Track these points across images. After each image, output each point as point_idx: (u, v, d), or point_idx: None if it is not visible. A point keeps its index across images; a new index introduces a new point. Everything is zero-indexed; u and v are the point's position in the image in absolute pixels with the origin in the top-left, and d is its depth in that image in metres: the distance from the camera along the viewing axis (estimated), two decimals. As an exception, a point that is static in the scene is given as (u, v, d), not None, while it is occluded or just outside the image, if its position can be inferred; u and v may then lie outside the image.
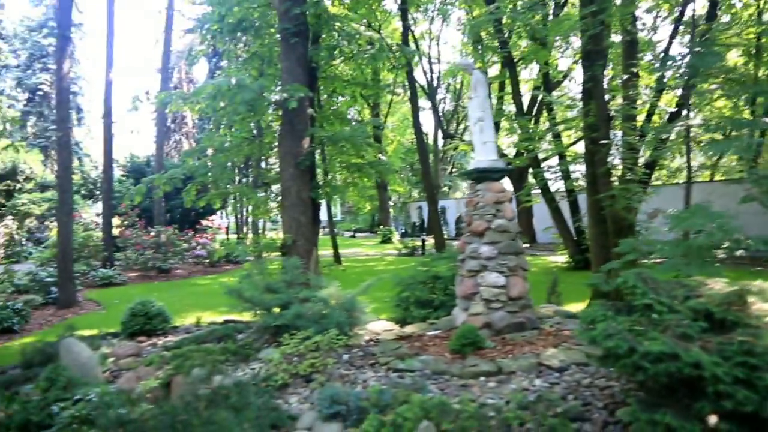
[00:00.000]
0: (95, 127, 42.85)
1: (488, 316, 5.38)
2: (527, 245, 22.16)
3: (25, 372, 5.19)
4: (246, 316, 6.21)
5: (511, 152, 24.85)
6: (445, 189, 42.33)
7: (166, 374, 3.95)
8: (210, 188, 14.23)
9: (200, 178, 9.21)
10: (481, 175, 5.92)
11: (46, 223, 26.41)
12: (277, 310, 4.99)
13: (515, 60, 16.72)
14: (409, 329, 5.74)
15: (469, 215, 5.84)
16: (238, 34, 9.18)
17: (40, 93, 34.48)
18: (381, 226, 35.88)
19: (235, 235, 28.96)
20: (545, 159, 19.07)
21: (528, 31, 12.05)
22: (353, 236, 41.87)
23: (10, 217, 25.22)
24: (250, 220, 37.58)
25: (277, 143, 9.32)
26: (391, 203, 38.58)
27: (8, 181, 24.29)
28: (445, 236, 26.50)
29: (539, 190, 17.22)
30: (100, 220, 26.12)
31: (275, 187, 13.50)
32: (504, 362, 4.56)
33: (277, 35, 8.93)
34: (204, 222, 25.03)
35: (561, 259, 17.09)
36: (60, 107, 12.28)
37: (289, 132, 8.08)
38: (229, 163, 9.39)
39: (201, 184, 12.14)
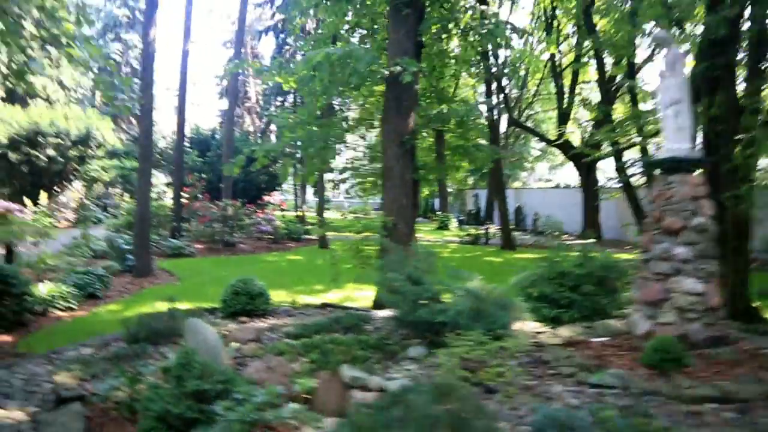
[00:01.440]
0: (160, 99, 43.55)
1: (682, 327, 4.72)
2: (593, 241, 21.19)
3: (132, 347, 4.90)
4: (323, 300, 5.77)
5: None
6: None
7: (307, 369, 3.54)
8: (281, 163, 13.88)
9: (304, 152, 8.80)
10: (675, 166, 5.27)
11: (110, 190, 26.86)
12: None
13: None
14: (563, 332, 5.14)
15: (658, 210, 5.18)
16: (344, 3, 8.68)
17: (112, 62, 35.03)
18: (439, 212, 35.33)
19: (294, 213, 28.84)
20: (626, 149, 18.09)
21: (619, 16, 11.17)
22: (407, 220, 41.22)
23: (81, 182, 25.79)
24: (310, 198, 37.60)
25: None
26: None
27: (81, 147, 24.71)
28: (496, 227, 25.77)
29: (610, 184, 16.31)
30: (166, 190, 26.58)
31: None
32: (723, 385, 3.88)
33: (384, 7, 8.41)
34: (266, 198, 24.94)
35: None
36: (145, 73, 12.14)
37: (395, 109, 7.58)
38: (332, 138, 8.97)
39: (296, 158, 11.79)
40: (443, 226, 31.04)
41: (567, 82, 24.25)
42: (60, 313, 8.17)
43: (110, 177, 26.53)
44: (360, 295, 10.16)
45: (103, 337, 6.15)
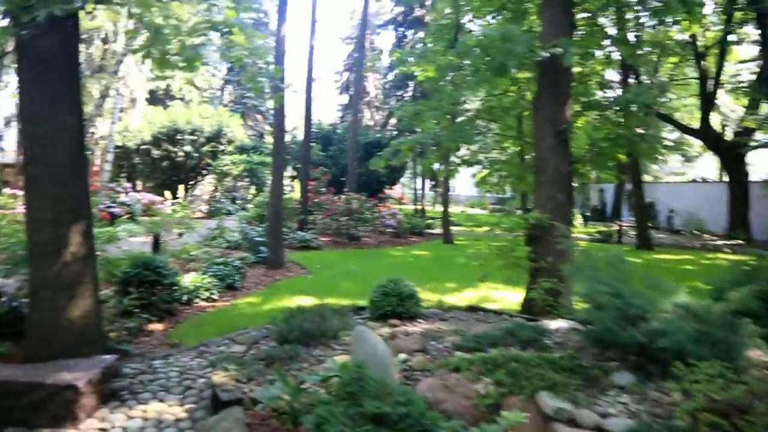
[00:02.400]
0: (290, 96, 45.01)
1: None
2: (742, 243, 18.97)
3: (284, 348, 4.67)
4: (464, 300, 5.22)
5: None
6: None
7: (495, 394, 3.05)
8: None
9: (450, 144, 8.33)
10: None
11: (238, 183, 28.08)
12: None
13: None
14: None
15: None
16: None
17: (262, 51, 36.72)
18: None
19: (414, 206, 28.60)
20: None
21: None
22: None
23: (213, 176, 27.24)
24: (427, 192, 37.24)
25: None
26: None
27: (214, 143, 26.04)
28: (626, 223, 23.90)
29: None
30: (291, 183, 27.40)
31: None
32: None
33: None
34: (386, 191, 24.89)
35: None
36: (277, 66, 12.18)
37: (550, 96, 6.88)
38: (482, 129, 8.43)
39: (446, 150, 11.41)
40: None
41: (710, 64, 21.88)
42: (203, 304, 8.30)
43: (239, 171, 27.76)
44: (498, 296, 9.54)
45: (249, 332, 6.06)
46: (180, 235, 11.55)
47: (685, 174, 43.38)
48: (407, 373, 3.71)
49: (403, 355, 3.99)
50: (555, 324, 4.75)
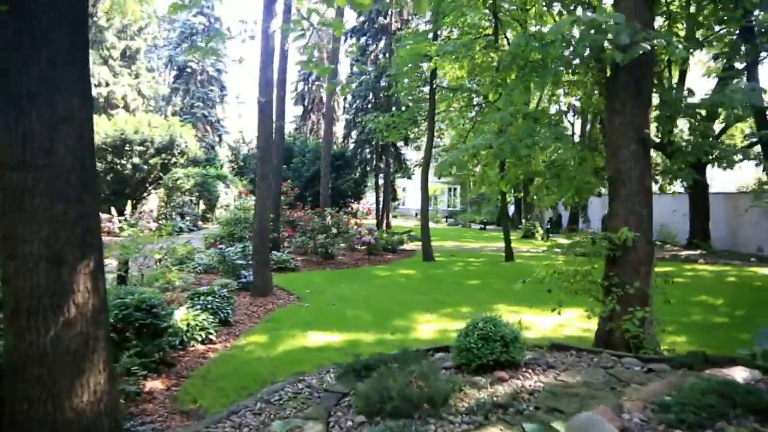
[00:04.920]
0: (236, 107, 43.09)
1: None
2: (704, 253, 18.85)
3: (385, 426, 3.27)
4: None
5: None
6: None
7: None
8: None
9: (510, 153, 7.12)
10: None
11: (188, 198, 25.99)
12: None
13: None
14: None
15: None
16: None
17: (188, 70, 34.70)
18: (524, 220, 33.40)
19: (377, 221, 27.32)
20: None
21: None
22: (483, 228, 39.21)
23: (162, 190, 25.06)
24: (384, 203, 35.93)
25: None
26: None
27: (165, 154, 23.95)
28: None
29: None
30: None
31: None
32: None
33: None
34: (354, 205, 23.54)
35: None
36: (264, 69, 10.75)
37: (630, 96, 5.82)
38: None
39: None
40: (529, 235, 28.88)
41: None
42: (199, 347, 6.74)
43: (190, 185, 25.72)
44: (527, 321, 8.37)
45: (280, 387, 4.66)
46: (159, 261, 9.80)
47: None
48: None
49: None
50: (739, 373, 3.62)
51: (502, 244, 23.89)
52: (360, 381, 4.12)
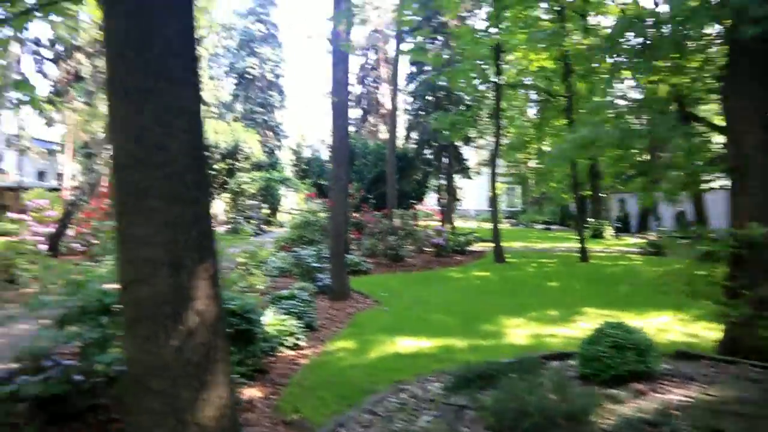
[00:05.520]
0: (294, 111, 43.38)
1: None
2: None
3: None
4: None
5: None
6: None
7: None
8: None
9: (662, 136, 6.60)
10: None
11: (253, 202, 26.27)
12: None
13: None
14: None
15: None
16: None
17: (248, 76, 35.29)
18: (593, 219, 32.20)
19: (440, 222, 26.86)
20: None
21: None
22: (547, 229, 38.11)
23: (228, 195, 25.46)
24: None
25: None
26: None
27: (230, 159, 24.32)
28: (658, 235, 22.34)
29: None
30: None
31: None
32: None
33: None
34: (418, 207, 23.18)
35: None
36: (336, 69, 10.57)
37: (754, 77, 5.24)
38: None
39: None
40: (597, 235, 27.60)
41: None
42: (288, 352, 6.55)
43: (255, 189, 26.01)
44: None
45: (383, 397, 4.36)
46: (243, 264, 9.76)
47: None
48: None
49: None
50: None
51: (571, 245, 23.07)
52: (480, 392, 3.78)
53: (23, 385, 4.05)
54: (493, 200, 17.76)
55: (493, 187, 17.70)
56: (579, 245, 17.63)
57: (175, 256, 2.65)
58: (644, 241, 23.37)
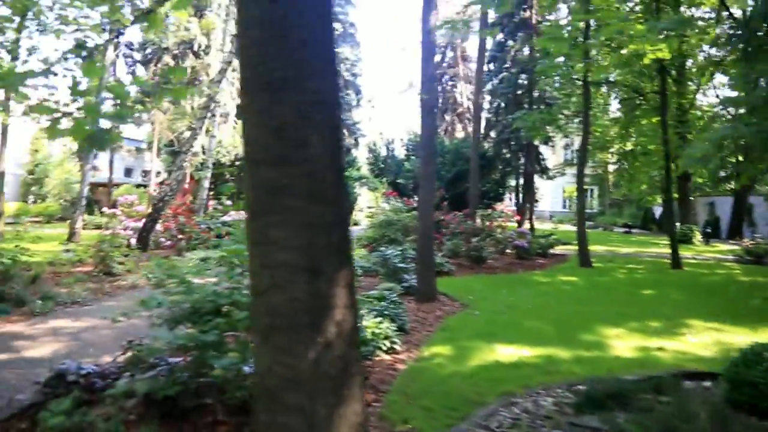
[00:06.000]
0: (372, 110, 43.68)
1: None
2: None
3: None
4: None
5: None
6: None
7: None
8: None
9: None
10: None
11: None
12: None
13: None
14: None
15: None
16: None
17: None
18: (680, 224, 30.46)
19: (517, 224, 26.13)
20: None
21: None
22: (628, 232, 36.48)
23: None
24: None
25: None
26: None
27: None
28: (753, 241, 20.66)
29: None
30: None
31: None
32: None
33: None
34: (497, 206, 22.55)
35: None
36: (425, 65, 10.31)
37: None
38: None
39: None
40: (685, 240, 25.81)
41: None
42: (385, 357, 6.34)
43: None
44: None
45: (493, 412, 4.03)
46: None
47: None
48: None
49: None
50: None
51: (658, 250, 21.91)
52: (619, 414, 3.40)
53: (138, 382, 4.02)
54: (581, 201, 17.01)
55: (581, 188, 16.96)
56: (669, 251, 16.70)
57: (313, 261, 2.45)
58: (739, 247, 21.88)
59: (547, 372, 5.92)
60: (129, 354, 5.75)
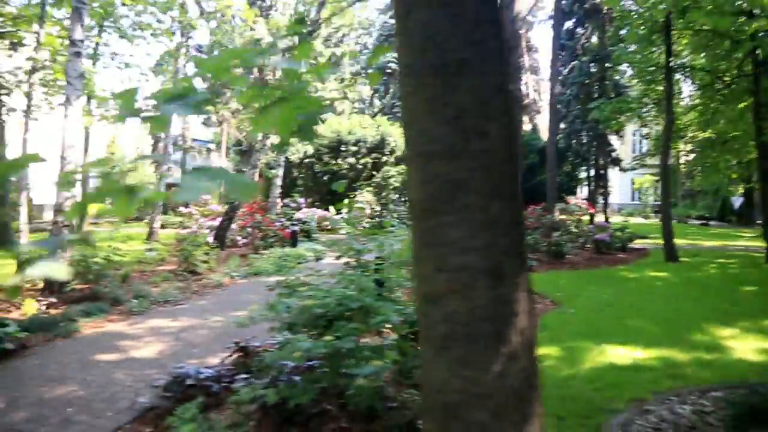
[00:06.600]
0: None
1: None
2: None
3: None
4: None
5: None
6: None
7: None
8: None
9: None
10: None
11: (396, 195, 26.25)
12: None
13: None
14: None
15: None
16: None
17: (388, 71, 35.53)
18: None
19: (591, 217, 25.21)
20: None
21: None
22: (705, 224, 34.68)
23: (372, 189, 25.70)
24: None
25: None
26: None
27: (376, 153, 24.49)
28: None
29: None
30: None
31: None
32: None
33: None
34: (571, 200, 21.81)
35: None
36: (510, 55, 9.90)
37: None
38: None
39: None
40: (769, 234, 23.93)
41: None
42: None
43: (399, 182, 26.01)
44: None
45: (629, 422, 3.69)
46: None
47: None
48: None
49: None
50: None
51: (747, 243, 20.68)
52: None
53: (269, 389, 3.91)
54: (666, 192, 16.16)
55: (665, 179, 16.12)
56: (758, 244, 15.68)
57: (494, 264, 2.21)
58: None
59: (670, 376, 5.53)
60: (235, 356, 5.70)
